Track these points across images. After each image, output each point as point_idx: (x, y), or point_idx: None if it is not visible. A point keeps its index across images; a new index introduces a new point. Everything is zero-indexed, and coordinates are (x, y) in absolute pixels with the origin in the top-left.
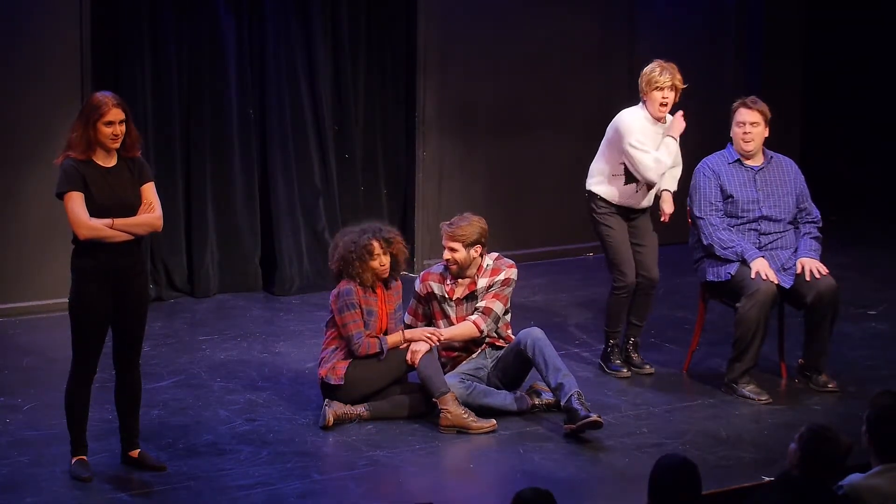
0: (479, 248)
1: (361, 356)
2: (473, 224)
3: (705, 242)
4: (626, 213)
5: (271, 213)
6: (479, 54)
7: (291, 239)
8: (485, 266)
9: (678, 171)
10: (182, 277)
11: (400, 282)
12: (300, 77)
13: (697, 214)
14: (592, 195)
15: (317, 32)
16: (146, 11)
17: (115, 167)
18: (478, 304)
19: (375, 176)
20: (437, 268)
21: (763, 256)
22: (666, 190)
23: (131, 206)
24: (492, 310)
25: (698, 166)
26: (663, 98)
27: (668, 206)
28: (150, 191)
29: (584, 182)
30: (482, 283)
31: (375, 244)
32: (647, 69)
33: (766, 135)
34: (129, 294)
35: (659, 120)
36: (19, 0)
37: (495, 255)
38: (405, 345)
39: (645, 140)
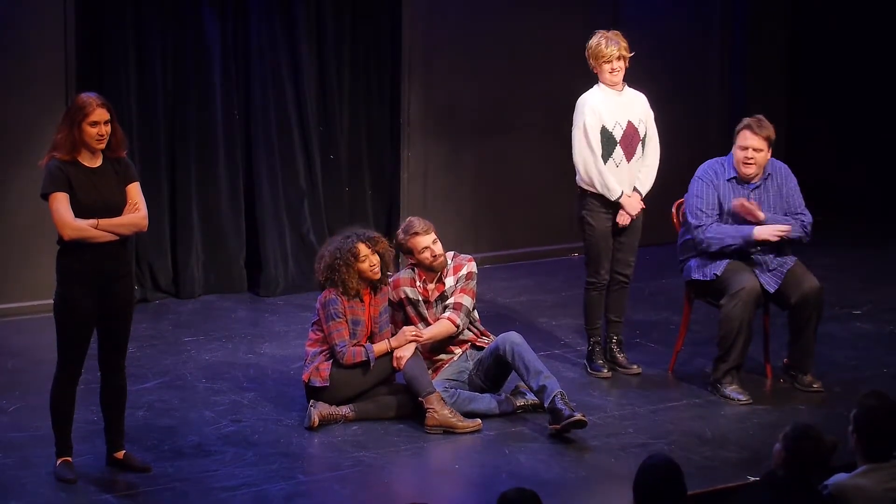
0: None
1: (347, 365)
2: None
3: (703, 247)
4: (617, 208)
5: (256, 214)
6: (463, 55)
7: (276, 240)
8: (447, 265)
9: (652, 171)
10: (167, 278)
11: (387, 286)
12: (285, 78)
13: (692, 221)
14: (584, 192)
15: (301, 34)
16: (130, 13)
17: (101, 168)
18: (447, 302)
19: (360, 177)
20: (405, 272)
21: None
22: (636, 190)
23: (117, 207)
24: (462, 304)
25: (698, 172)
26: (612, 69)
27: (631, 209)
28: (135, 191)
29: (568, 182)
30: (449, 281)
31: (361, 246)
32: (591, 43)
33: (769, 157)
34: (114, 296)
35: (615, 86)
36: (3, 3)
37: (451, 253)
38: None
39: (597, 119)
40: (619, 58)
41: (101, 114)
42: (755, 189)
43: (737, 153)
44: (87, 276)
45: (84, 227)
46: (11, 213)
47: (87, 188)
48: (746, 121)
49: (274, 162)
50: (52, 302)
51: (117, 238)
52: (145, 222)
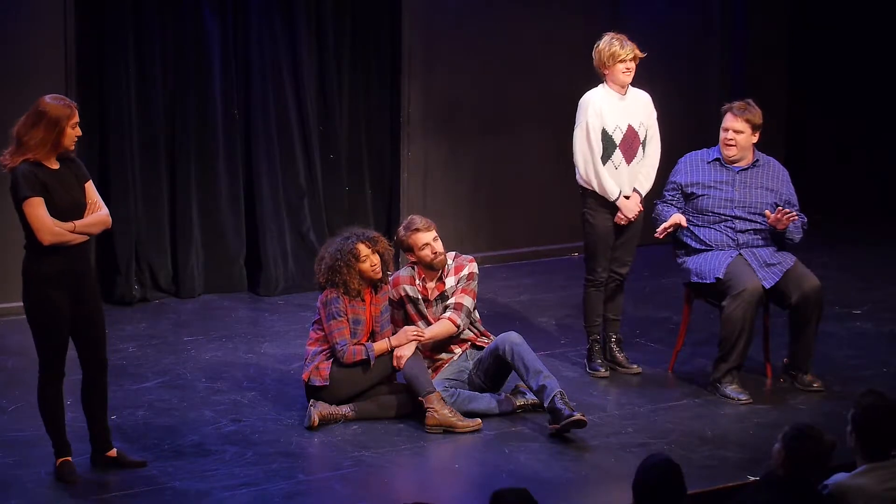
0: None
1: (347, 364)
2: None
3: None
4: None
5: (256, 213)
6: (463, 54)
7: (276, 239)
8: (448, 265)
9: (652, 171)
10: (167, 278)
11: (388, 285)
12: (285, 77)
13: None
14: (585, 191)
15: (301, 32)
16: (130, 12)
17: (61, 169)
18: (448, 302)
19: (360, 176)
20: (405, 271)
21: (679, 212)
22: (636, 191)
23: (82, 206)
24: (462, 304)
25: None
26: (626, 69)
27: (628, 211)
28: (93, 189)
29: (568, 182)
30: (450, 281)
31: (361, 246)
32: (603, 45)
33: (755, 140)
34: (85, 295)
35: (622, 88)
36: (3, 2)
37: (453, 253)
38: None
39: (599, 121)
40: (633, 58)
41: (77, 115)
42: (740, 172)
43: (720, 135)
44: (64, 277)
45: (62, 232)
46: (11, 213)
47: (58, 190)
48: (731, 104)
49: (274, 161)
50: (24, 307)
51: (87, 238)
52: (110, 219)
